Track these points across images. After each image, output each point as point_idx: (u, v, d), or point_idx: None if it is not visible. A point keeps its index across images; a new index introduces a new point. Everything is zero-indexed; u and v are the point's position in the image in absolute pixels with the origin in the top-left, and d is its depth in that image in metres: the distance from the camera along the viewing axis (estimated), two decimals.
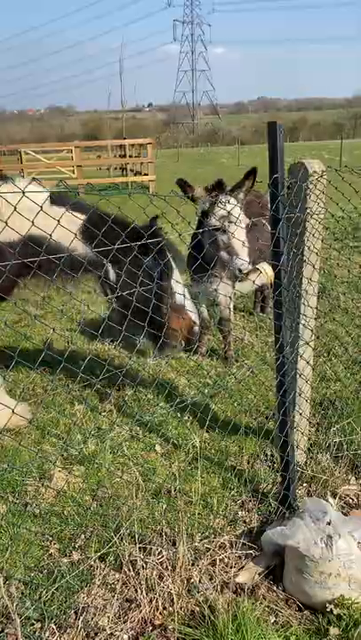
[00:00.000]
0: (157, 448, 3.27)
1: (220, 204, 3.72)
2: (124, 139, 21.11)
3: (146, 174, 17.61)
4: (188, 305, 3.37)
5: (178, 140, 58.34)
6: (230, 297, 4.40)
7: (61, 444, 3.28)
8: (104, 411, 3.72)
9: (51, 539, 2.53)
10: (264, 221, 4.26)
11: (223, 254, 3.78)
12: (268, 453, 3.12)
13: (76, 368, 4.24)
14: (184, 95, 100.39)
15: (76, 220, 3.07)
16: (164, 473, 3.01)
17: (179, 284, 3.24)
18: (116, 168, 22.03)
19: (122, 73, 26.70)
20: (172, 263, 3.25)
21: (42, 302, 5.86)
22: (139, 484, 2.69)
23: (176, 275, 3.27)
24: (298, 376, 2.73)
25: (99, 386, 4.06)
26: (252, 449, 3.20)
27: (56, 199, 3.09)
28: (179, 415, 3.61)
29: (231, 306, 4.46)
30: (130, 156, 19.82)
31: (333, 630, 2.04)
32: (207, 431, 3.38)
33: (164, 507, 2.63)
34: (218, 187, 3.81)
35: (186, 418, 3.57)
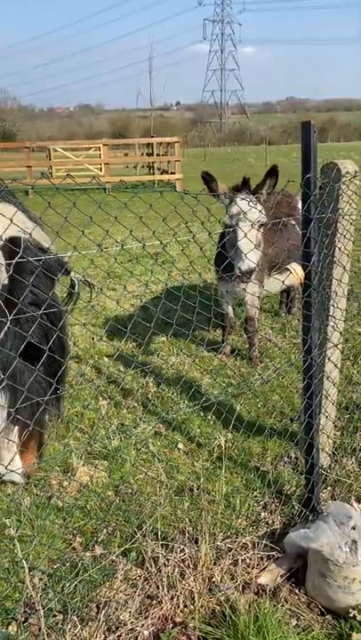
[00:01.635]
0: (180, 446, 3.28)
1: (235, 203, 3.70)
2: (152, 137, 21.16)
3: (173, 173, 17.62)
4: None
5: (205, 140, 58.23)
6: (257, 297, 4.37)
7: (85, 439, 3.31)
8: (128, 407, 3.74)
9: (74, 532, 2.55)
10: (294, 222, 4.22)
11: (232, 252, 3.76)
12: (293, 456, 3.10)
13: (101, 364, 4.27)
14: (212, 94, 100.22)
15: None
16: (187, 471, 3.01)
17: None
18: (143, 166, 22.10)
19: (151, 71, 26.75)
20: None
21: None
22: (162, 481, 2.70)
23: None
24: (325, 379, 2.70)
25: (123, 382, 4.09)
26: (275, 450, 3.18)
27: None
28: (202, 414, 3.61)
29: (257, 305, 4.44)
30: (157, 155, 19.86)
31: (356, 636, 2.01)
32: (230, 431, 3.37)
33: (187, 504, 2.64)
34: (243, 185, 3.80)
35: (209, 417, 3.57)
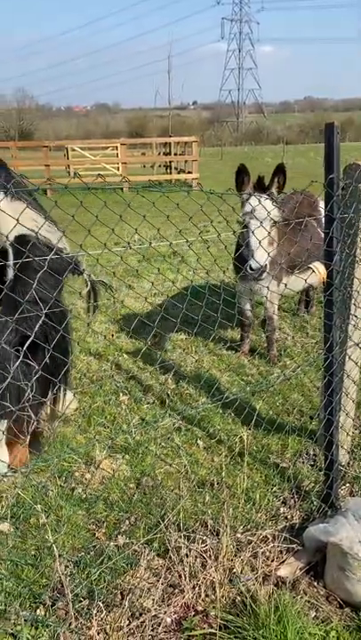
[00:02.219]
0: (200, 442, 3.33)
1: (247, 201, 3.74)
2: (170, 136, 21.23)
3: (190, 172, 17.67)
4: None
5: (222, 139, 58.16)
6: (276, 295, 4.41)
7: (107, 433, 3.38)
8: (148, 403, 3.80)
9: (97, 523, 2.62)
10: (315, 222, 4.25)
11: (244, 251, 3.80)
12: (311, 452, 3.14)
13: (120, 360, 4.33)
14: (230, 93, 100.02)
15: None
16: (207, 466, 3.06)
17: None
18: (160, 165, 22.17)
19: (170, 71, 26.81)
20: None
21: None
22: (185, 474, 2.76)
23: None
24: (345, 377, 2.74)
25: (143, 377, 4.15)
26: (295, 447, 3.22)
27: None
28: (221, 411, 3.66)
29: (276, 304, 4.47)
30: (175, 154, 19.92)
31: None
32: (250, 428, 3.42)
33: (208, 498, 2.69)
34: (258, 184, 3.84)
35: (228, 414, 3.61)
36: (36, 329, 2.62)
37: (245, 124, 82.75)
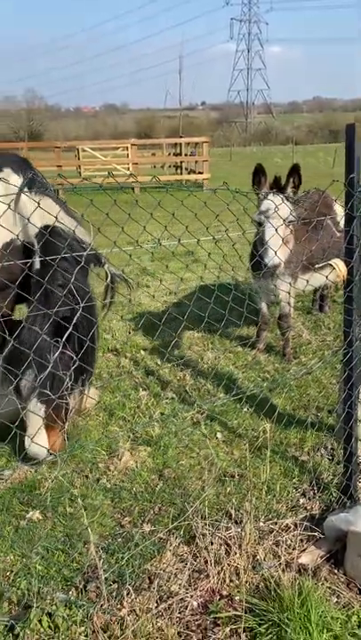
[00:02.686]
0: (219, 435, 3.41)
1: (263, 200, 3.82)
2: (181, 137, 21.31)
3: (200, 172, 17.74)
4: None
5: (230, 139, 58.16)
6: (290, 293, 4.47)
7: (128, 426, 3.46)
8: (166, 398, 3.88)
9: (122, 512, 2.70)
10: (330, 221, 4.31)
11: (259, 249, 3.87)
12: (329, 446, 3.21)
13: (138, 357, 4.42)
14: (238, 94, 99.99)
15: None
16: (227, 459, 3.14)
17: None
18: (170, 166, 22.26)
19: (181, 71, 26.89)
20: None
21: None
22: (210, 463, 2.83)
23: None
24: None
25: (161, 374, 4.24)
26: (312, 441, 3.29)
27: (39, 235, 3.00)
28: (238, 406, 3.74)
29: (291, 302, 4.54)
30: (186, 155, 20.00)
31: None
32: (271, 421, 3.48)
33: (229, 489, 2.76)
34: (274, 184, 3.91)
35: (246, 409, 3.69)
36: (73, 317, 2.74)
37: (254, 125, 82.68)
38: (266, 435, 2.88)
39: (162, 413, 3.66)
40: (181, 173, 19.36)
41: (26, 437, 2.81)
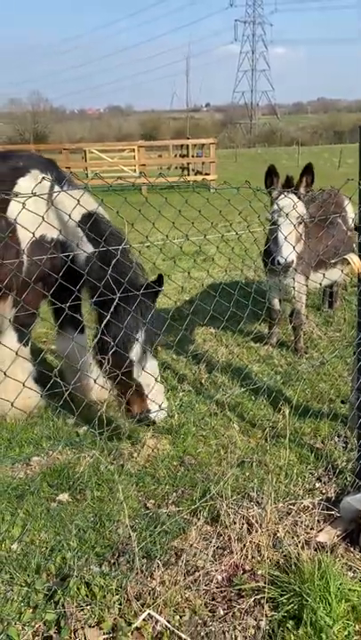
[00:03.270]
0: (235, 425, 3.55)
1: (278, 200, 3.95)
2: (188, 138, 21.46)
3: (207, 174, 17.89)
4: (145, 382, 3.11)
5: (235, 141, 58.31)
6: (304, 290, 4.60)
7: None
8: (183, 390, 4.02)
9: (147, 495, 2.85)
10: (340, 220, 4.44)
11: (272, 246, 4.01)
12: (343, 435, 3.34)
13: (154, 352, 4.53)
14: (243, 95, 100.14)
15: (87, 248, 3.23)
16: (245, 447, 3.28)
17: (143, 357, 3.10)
18: (176, 167, 22.42)
19: (188, 73, 27.06)
20: (140, 333, 3.05)
21: None
22: (230, 448, 2.97)
23: (136, 351, 3.05)
24: None
25: (177, 367, 4.38)
26: (326, 430, 3.42)
27: (84, 220, 3.19)
28: (253, 398, 3.87)
29: (303, 299, 4.67)
30: (192, 156, 20.16)
31: None
32: (282, 413, 3.62)
33: (247, 473, 2.90)
34: (286, 183, 4.04)
35: (260, 400, 3.82)
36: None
37: (259, 126, 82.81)
38: (284, 420, 3.01)
39: (180, 405, 3.80)
40: (188, 174, 19.51)
41: (153, 407, 3.04)
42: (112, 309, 2.74)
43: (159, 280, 3.12)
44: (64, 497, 2.81)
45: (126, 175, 18.07)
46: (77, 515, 2.63)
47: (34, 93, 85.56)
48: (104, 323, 2.92)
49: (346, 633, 2.07)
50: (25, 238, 3.30)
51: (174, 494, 2.84)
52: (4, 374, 2.20)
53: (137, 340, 3.01)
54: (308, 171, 3.98)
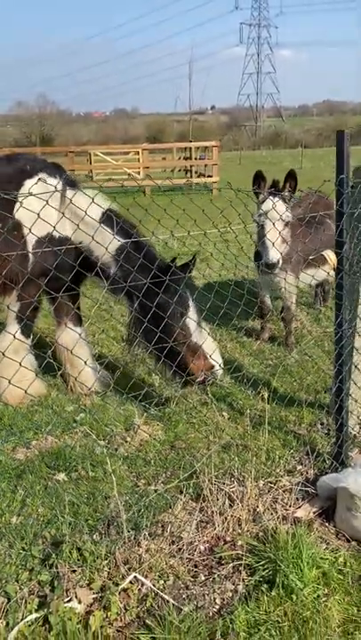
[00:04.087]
0: (225, 414, 3.74)
1: (264, 202, 4.15)
2: (191, 141, 21.67)
3: (210, 176, 18.10)
4: (206, 345, 3.54)
5: (239, 143, 58.51)
6: (293, 287, 4.79)
7: (142, 405, 3.81)
8: (177, 382, 4.22)
9: (138, 475, 3.05)
10: (329, 220, 4.63)
11: (259, 248, 4.20)
12: (325, 422, 3.52)
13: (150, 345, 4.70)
14: (248, 98, 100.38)
15: (114, 243, 3.49)
16: (232, 433, 3.47)
17: (197, 322, 3.51)
18: (180, 170, 22.65)
19: (191, 77, 27.33)
20: (190, 302, 3.53)
21: None
22: (216, 432, 3.16)
23: (192, 313, 3.52)
24: (355, 350, 3.12)
25: None
26: (309, 418, 3.61)
27: (105, 220, 3.50)
28: (243, 389, 4.06)
29: (293, 296, 4.86)
30: (195, 159, 20.38)
31: None
32: (269, 403, 3.81)
33: (233, 456, 3.09)
34: (272, 187, 4.24)
35: (250, 392, 4.01)
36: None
37: (264, 128, 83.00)
38: (270, 408, 3.20)
39: (167, 400, 3.99)
40: (191, 177, 19.73)
41: (216, 364, 3.53)
42: (142, 291, 3.18)
43: (192, 260, 3.68)
44: (61, 476, 3.01)
45: (130, 178, 18.29)
46: (72, 492, 2.84)
47: (41, 96, 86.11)
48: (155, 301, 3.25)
49: (315, 595, 2.26)
50: (32, 237, 3.53)
51: (164, 475, 3.04)
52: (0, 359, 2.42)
53: (192, 308, 3.51)
54: (291, 176, 4.18)
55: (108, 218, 3.51)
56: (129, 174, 19.06)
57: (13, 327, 3.67)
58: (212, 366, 3.53)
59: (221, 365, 3.56)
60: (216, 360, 3.54)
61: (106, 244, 3.37)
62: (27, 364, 3.47)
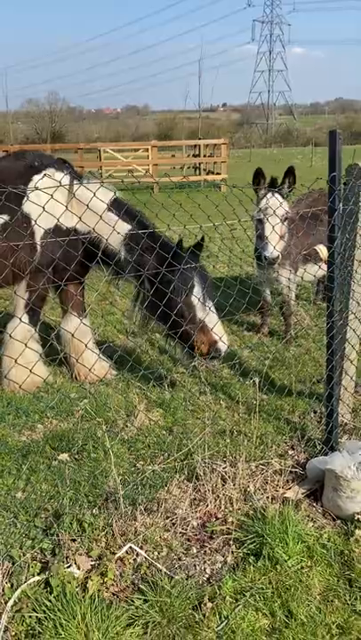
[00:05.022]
0: (222, 402, 3.89)
1: (263, 199, 4.28)
2: (200, 139, 21.77)
3: (218, 173, 18.21)
4: (211, 321, 3.72)
5: (250, 141, 58.47)
6: (292, 282, 4.92)
7: (143, 393, 3.97)
8: (178, 372, 4.38)
9: (137, 457, 3.21)
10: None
11: (259, 243, 4.34)
12: (318, 411, 3.67)
13: (153, 339, 4.92)
14: (260, 95, 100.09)
15: (123, 228, 3.72)
16: (228, 420, 3.62)
17: (203, 301, 3.69)
18: (188, 167, 22.76)
19: (201, 75, 27.41)
20: (195, 282, 3.69)
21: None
22: (212, 418, 3.32)
23: (198, 291, 3.70)
24: (345, 342, 3.26)
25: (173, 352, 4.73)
26: (303, 407, 3.75)
27: (112, 206, 3.72)
28: (241, 380, 4.21)
29: (293, 290, 4.99)
30: (204, 156, 20.49)
31: (358, 532, 2.58)
32: (265, 393, 3.95)
33: (227, 440, 3.25)
34: (271, 184, 4.37)
35: (248, 382, 4.16)
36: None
37: (275, 126, 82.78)
38: (266, 397, 3.34)
39: (173, 384, 4.15)
40: (200, 174, 19.84)
41: (221, 341, 3.74)
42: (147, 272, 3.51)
43: (202, 240, 3.83)
44: (64, 457, 3.18)
45: (139, 174, 18.43)
46: (74, 470, 3.00)
47: (52, 93, 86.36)
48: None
49: (299, 567, 2.41)
50: (40, 229, 3.71)
51: (161, 457, 3.20)
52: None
53: (197, 285, 3.69)
54: (289, 173, 4.31)
55: (115, 205, 3.72)
56: (129, 171, 19.17)
57: (22, 315, 3.85)
58: (216, 341, 3.70)
59: (225, 340, 3.73)
60: (220, 335, 3.71)
61: (113, 229, 3.53)
62: (33, 351, 3.64)
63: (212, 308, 3.74)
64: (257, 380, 3.15)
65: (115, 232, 3.53)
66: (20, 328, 3.71)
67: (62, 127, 63.17)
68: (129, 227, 3.74)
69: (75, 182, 3.81)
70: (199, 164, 20.55)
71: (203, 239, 3.82)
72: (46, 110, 66.12)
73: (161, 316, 3.62)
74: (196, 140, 22.89)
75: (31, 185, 3.73)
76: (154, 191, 15.67)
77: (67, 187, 3.70)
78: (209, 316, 3.73)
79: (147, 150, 20.46)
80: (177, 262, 3.46)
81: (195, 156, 21.41)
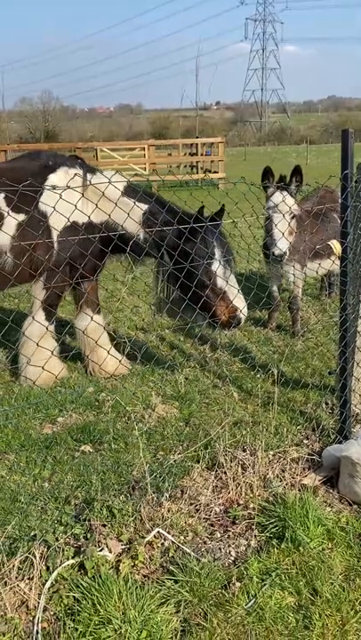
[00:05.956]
0: (235, 395, 3.99)
1: (271, 197, 4.39)
2: (197, 137, 21.85)
3: (216, 172, 18.31)
4: (231, 290, 3.75)
5: (245, 139, 58.65)
6: (300, 277, 5.03)
7: (158, 386, 4.07)
8: (189, 367, 4.48)
9: (156, 448, 3.31)
10: (335, 214, 4.87)
11: (268, 239, 4.45)
12: (330, 403, 3.77)
13: (163, 335, 5.03)
14: (253, 94, 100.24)
15: (141, 208, 3.84)
16: (242, 412, 3.72)
17: (223, 268, 3.74)
18: (185, 166, 22.85)
19: (198, 73, 27.48)
20: (216, 248, 3.72)
21: (131, 282, 6.69)
22: (226, 413, 3.42)
23: (218, 255, 3.73)
24: (358, 333, 3.37)
25: (184, 347, 4.83)
26: (315, 399, 3.86)
27: (127, 191, 3.86)
28: (252, 373, 4.32)
29: (300, 285, 5.10)
30: (201, 155, 20.59)
31: None
32: (277, 385, 4.06)
33: (243, 432, 3.35)
34: (280, 182, 4.48)
35: (258, 376, 4.27)
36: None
37: (269, 124, 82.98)
38: (278, 390, 3.45)
39: (186, 378, 4.25)
40: (197, 173, 19.93)
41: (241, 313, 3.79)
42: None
43: (222, 208, 3.80)
44: (86, 448, 3.28)
45: (135, 173, 18.50)
46: (98, 461, 3.10)
47: (44, 92, 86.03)
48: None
49: (320, 548, 2.52)
50: (57, 227, 3.81)
51: (180, 447, 3.30)
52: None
53: (220, 254, 3.72)
54: (297, 171, 4.43)
55: (130, 190, 3.86)
56: (135, 174, 19.23)
57: (38, 313, 3.94)
58: (236, 309, 3.76)
59: (245, 311, 3.79)
60: (240, 304, 3.76)
61: (131, 212, 3.61)
62: (49, 348, 3.73)
63: (233, 277, 3.79)
64: (275, 370, 3.25)
65: (132, 214, 3.64)
66: (37, 327, 3.79)
67: (56, 126, 63.01)
68: (147, 206, 3.85)
69: (89, 174, 3.92)
70: (197, 162, 20.64)
71: (223, 207, 3.79)
72: (40, 109, 65.91)
73: (184, 286, 3.61)
74: (192, 138, 22.96)
75: (48, 184, 3.81)
76: (152, 189, 15.73)
77: (81, 176, 3.83)
78: (230, 282, 3.75)
79: (143, 149, 20.54)
80: (199, 228, 3.51)
81: (192, 154, 21.49)
